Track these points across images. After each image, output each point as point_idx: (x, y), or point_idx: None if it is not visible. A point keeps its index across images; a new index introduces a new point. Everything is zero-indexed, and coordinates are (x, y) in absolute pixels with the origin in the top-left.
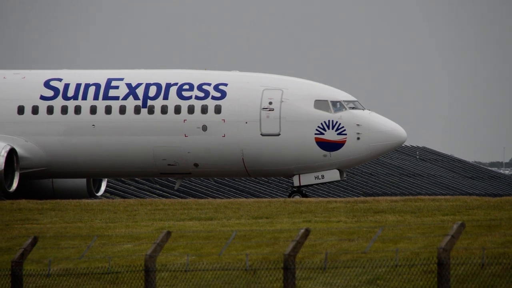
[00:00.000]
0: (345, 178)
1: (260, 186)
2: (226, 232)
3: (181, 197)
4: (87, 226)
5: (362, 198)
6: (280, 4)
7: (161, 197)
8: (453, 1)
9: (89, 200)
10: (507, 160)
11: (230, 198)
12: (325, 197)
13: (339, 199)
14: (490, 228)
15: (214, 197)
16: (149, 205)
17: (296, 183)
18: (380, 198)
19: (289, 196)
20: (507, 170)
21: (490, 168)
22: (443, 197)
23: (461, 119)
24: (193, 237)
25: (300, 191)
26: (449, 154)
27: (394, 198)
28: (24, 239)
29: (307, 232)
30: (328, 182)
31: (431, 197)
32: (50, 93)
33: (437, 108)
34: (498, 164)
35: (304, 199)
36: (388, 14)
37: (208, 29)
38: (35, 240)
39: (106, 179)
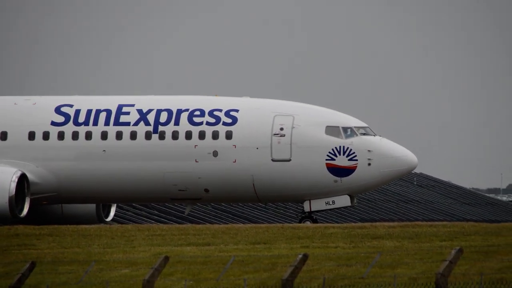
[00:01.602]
0: (356, 204)
1: (258, 212)
2: (224, 257)
3: (179, 223)
4: (84, 251)
5: (359, 224)
6: (289, 29)
7: (158, 223)
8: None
9: (86, 226)
10: (504, 187)
11: (227, 223)
12: (322, 223)
13: (336, 224)
14: (488, 254)
15: (211, 223)
16: (147, 231)
17: (306, 209)
18: (377, 224)
19: (300, 222)
20: (505, 196)
21: (487, 195)
22: (440, 223)
23: (458, 145)
24: (190, 262)
25: (311, 216)
26: (446, 180)
27: (391, 224)
28: (22, 265)
29: (305, 257)
30: (339, 208)
31: (429, 223)
32: (61, 119)
33: (434, 134)
34: (496, 191)
35: (302, 224)
36: (395, 33)
37: (217, 55)
38: (32, 265)
39: (115, 205)
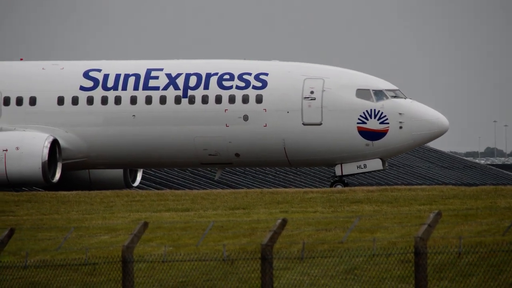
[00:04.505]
0: (387, 168)
1: (237, 177)
2: (203, 223)
3: (158, 189)
4: (63, 217)
5: (338, 188)
6: None
7: (137, 189)
8: None
9: (65, 192)
10: (482, 150)
11: (206, 189)
12: (302, 187)
13: (315, 189)
14: (467, 217)
15: (190, 189)
16: (126, 197)
17: (338, 173)
18: (356, 188)
19: (331, 186)
20: (483, 159)
21: (466, 158)
22: (419, 187)
23: (436, 109)
24: (170, 228)
25: (342, 180)
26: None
27: (370, 188)
28: (1, 231)
29: (284, 222)
30: (370, 172)
31: (408, 187)
32: (89, 83)
33: (414, 98)
34: (474, 154)
35: (280, 189)
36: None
37: (245, 20)
38: (11, 232)
39: (141, 170)
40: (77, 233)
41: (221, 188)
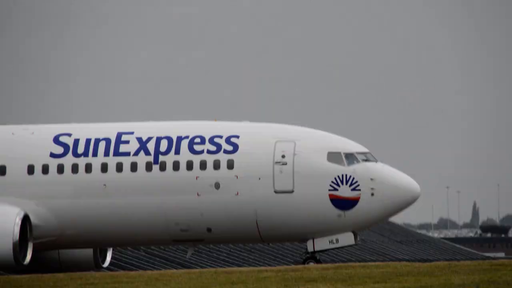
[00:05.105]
0: (359, 242)
1: (190, 256)
2: None
3: (111, 270)
4: None
5: (293, 266)
6: (286, 51)
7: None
8: None
9: (17, 276)
10: (435, 221)
11: (160, 269)
12: (256, 266)
13: (269, 268)
14: None
15: (144, 269)
16: (79, 279)
17: (310, 249)
18: (311, 266)
19: (303, 263)
20: (436, 233)
21: (419, 231)
22: (373, 263)
23: None
24: None
25: (314, 257)
26: None
27: (324, 265)
28: None
29: None
30: (343, 247)
31: (362, 263)
32: (60, 149)
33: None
34: (427, 226)
35: (235, 268)
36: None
37: (214, 78)
38: None
39: (111, 249)
40: None
41: (175, 268)
